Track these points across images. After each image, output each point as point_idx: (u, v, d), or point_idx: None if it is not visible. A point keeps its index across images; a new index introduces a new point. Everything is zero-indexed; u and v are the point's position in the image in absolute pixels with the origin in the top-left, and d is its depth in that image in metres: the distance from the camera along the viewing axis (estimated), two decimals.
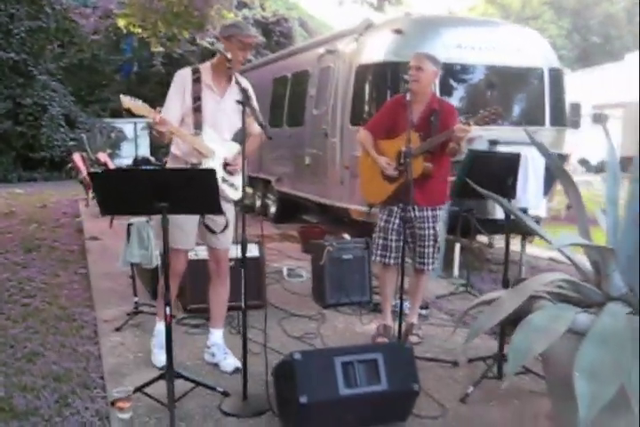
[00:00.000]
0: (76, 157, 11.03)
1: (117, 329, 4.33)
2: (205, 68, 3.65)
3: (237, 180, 3.68)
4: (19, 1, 17.03)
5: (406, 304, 4.85)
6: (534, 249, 7.55)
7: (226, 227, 3.62)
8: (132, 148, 17.39)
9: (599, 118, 17.20)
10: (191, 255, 4.59)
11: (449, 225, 6.09)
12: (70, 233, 8.54)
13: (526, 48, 6.90)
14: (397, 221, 4.18)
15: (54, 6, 17.64)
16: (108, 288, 5.44)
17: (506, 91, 6.95)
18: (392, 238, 4.20)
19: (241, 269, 3.24)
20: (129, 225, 4.52)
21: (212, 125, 3.60)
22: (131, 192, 2.82)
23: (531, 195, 6.15)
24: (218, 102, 3.64)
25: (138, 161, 12.21)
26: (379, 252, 4.25)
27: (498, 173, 3.58)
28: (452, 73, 6.73)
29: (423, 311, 4.81)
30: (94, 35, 18.79)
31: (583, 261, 2.90)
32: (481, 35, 6.75)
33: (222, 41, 3.56)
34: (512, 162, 3.71)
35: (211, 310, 3.95)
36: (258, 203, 10.59)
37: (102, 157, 11.14)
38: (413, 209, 4.09)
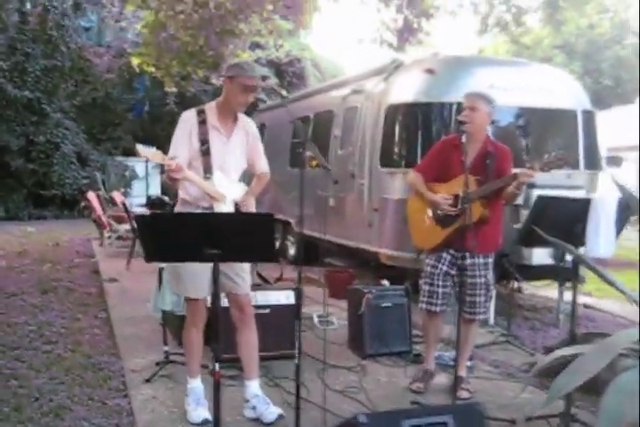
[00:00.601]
0: (91, 195, 10.86)
1: (147, 380, 4.08)
2: (211, 108, 3.54)
3: None
4: (34, 40, 17.17)
5: (447, 354, 4.66)
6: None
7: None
8: (143, 187, 17.26)
9: (614, 161, 17.09)
10: (224, 303, 4.42)
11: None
12: (86, 274, 8.30)
13: (558, 89, 6.78)
14: (445, 267, 4.01)
15: (69, 45, 17.76)
16: (132, 335, 5.19)
17: (539, 133, 6.80)
18: (439, 284, 4.02)
19: (296, 320, 3.03)
20: (160, 269, 4.30)
21: (220, 167, 3.49)
22: (179, 238, 2.63)
23: (602, 241, 5.95)
24: (225, 143, 3.53)
25: (152, 201, 12.05)
26: (425, 299, 4.06)
27: (567, 219, 3.41)
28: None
29: (468, 363, 4.56)
30: (108, 73, 18.88)
31: None
32: (513, 75, 6.64)
33: (225, 81, 3.46)
34: (582, 207, 3.52)
35: (242, 360, 3.74)
36: (277, 244, 10.38)
37: (117, 196, 10.98)
38: (464, 257, 3.88)
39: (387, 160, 6.70)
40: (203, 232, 2.60)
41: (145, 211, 9.90)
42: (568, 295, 6.74)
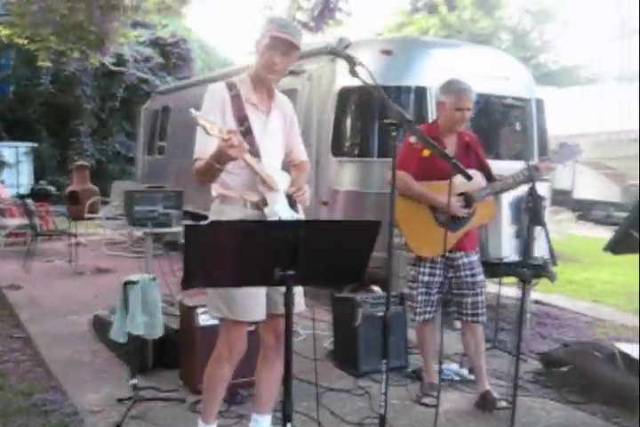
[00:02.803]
0: None
1: (118, 426, 3.21)
2: (243, 81, 2.77)
3: (300, 216, 2.81)
4: None
5: (448, 367, 4.18)
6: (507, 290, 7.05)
7: None
8: (14, 175, 15.38)
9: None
10: (202, 320, 3.66)
11: None
12: None
13: (514, 76, 6.46)
14: (442, 272, 3.62)
15: None
16: (67, 360, 4.22)
17: (497, 122, 6.45)
18: (434, 292, 3.65)
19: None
20: (125, 284, 3.43)
21: (264, 152, 2.73)
22: (245, 255, 1.87)
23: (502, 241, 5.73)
24: (265, 124, 2.78)
25: (38, 191, 10.64)
26: (421, 309, 3.67)
27: None
28: None
29: (465, 372, 4.13)
30: None
31: None
32: (472, 59, 6.22)
33: (257, 42, 2.71)
34: None
35: (258, 391, 3.00)
36: (183, 239, 9.46)
37: None
38: (460, 256, 3.62)
39: (338, 148, 6.08)
40: (278, 247, 1.86)
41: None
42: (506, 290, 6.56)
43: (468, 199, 3.53)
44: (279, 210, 2.62)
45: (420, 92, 5.97)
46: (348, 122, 6.15)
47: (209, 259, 1.88)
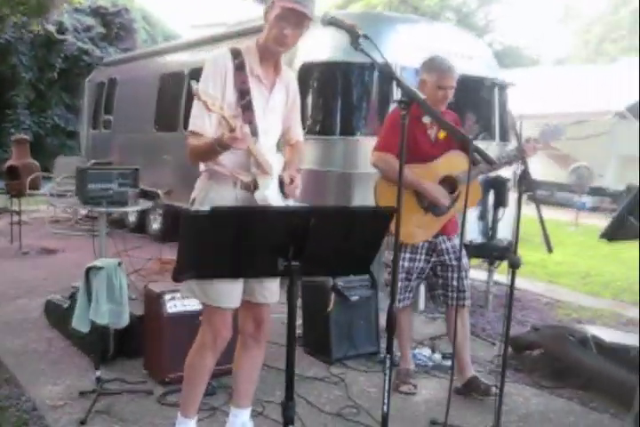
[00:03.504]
0: None
1: (83, 423, 2.99)
2: (249, 50, 2.54)
3: (290, 202, 2.65)
4: None
5: (420, 352, 4.12)
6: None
7: None
8: None
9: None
10: (170, 307, 3.46)
11: None
12: None
13: (477, 55, 6.37)
14: (423, 257, 3.53)
15: None
16: (20, 349, 3.95)
17: (461, 102, 6.34)
18: (413, 278, 3.57)
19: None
20: (89, 270, 3.18)
21: (263, 130, 2.53)
22: (247, 244, 1.69)
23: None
24: (267, 99, 2.58)
25: None
26: (401, 295, 3.53)
27: None
28: (409, 78, 5.99)
29: (437, 356, 4.09)
30: None
31: None
32: (436, 37, 6.09)
33: (266, 11, 2.49)
34: None
35: (237, 383, 2.84)
36: (132, 218, 9.13)
37: None
38: (442, 241, 3.55)
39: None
40: (283, 235, 1.69)
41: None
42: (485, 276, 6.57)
43: (452, 182, 3.42)
44: (269, 195, 2.45)
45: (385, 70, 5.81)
46: (310, 99, 5.93)
47: (208, 249, 1.68)
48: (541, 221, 2.62)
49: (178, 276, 1.74)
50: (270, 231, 1.68)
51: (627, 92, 13.71)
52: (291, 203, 2.61)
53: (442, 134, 3.39)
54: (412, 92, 2.21)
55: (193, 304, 3.37)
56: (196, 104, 2.41)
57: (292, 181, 2.52)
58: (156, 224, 8.58)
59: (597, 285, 6.88)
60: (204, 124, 2.42)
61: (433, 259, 3.53)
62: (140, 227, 8.83)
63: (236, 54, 2.49)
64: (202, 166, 2.58)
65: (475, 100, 6.48)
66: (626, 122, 13.78)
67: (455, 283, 3.52)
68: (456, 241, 3.53)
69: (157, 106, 8.32)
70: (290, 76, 2.71)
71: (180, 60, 8.11)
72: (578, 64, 27.66)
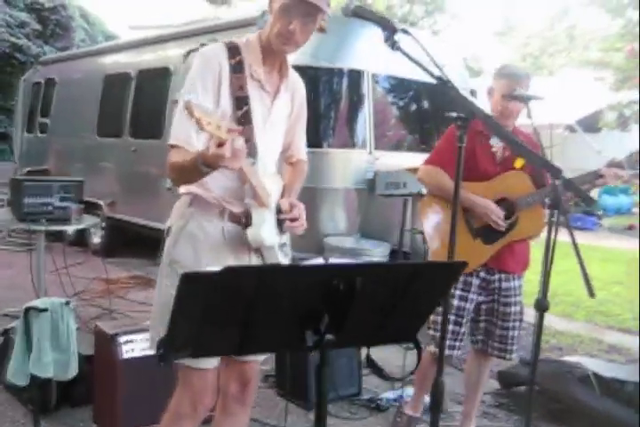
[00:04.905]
0: None
1: None
2: (250, 47, 2.06)
3: (286, 238, 2.15)
4: None
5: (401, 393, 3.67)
6: None
7: None
8: None
9: None
10: (126, 351, 2.92)
11: None
12: None
13: (449, 64, 6.01)
14: (475, 297, 2.97)
15: None
16: None
17: (434, 114, 5.99)
18: (464, 322, 2.97)
19: None
20: (28, 311, 2.61)
21: (261, 149, 2.04)
22: (265, 314, 1.22)
23: None
24: (269, 110, 2.09)
25: None
26: (447, 342, 2.85)
27: None
28: (380, 87, 5.61)
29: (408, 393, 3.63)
30: None
31: None
32: (411, 44, 5.70)
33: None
34: None
35: None
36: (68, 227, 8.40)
37: None
38: (499, 279, 2.98)
39: None
40: (316, 301, 1.22)
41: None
42: None
43: (509, 207, 2.88)
44: (266, 236, 1.96)
45: (355, 76, 5.41)
46: None
47: (214, 320, 1.20)
48: (580, 262, 2.22)
49: (167, 356, 1.24)
50: (300, 297, 1.21)
51: (571, 105, 13.75)
52: (287, 242, 2.14)
53: (519, 162, 2.88)
54: (473, 106, 1.76)
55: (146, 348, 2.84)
56: (179, 111, 1.91)
57: (291, 208, 2.04)
58: (97, 238, 7.91)
59: (568, 305, 6.62)
60: (188, 136, 1.92)
61: (481, 298, 2.98)
62: (80, 240, 8.14)
63: (234, 51, 2.00)
64: (182, 189, 2.07)
65: (444, 109, 6.13)
66: (576, 135, 13.81)
67: (497, 332, 2.99)
68: (515, 283, 3.00)
69: (100, 109, 7.67)
70: (297, 81, 2.23)
71: (126, 61, 7.50)
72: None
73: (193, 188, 2.02)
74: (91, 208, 7.69)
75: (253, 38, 2.06)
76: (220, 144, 1.65)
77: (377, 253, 4.97)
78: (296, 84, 2.21)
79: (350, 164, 5.33)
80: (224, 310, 1.18)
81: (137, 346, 2.88)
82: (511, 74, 2.89)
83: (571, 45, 32.43)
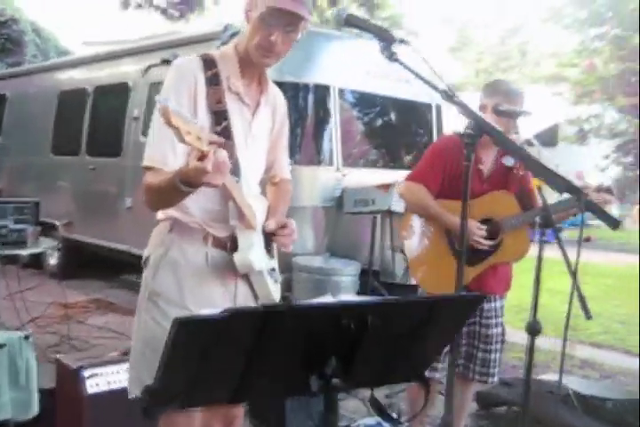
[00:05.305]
0: None
1: None
2: (226, 58, 1.91)
3: (274, 262, 2.02)
4: None
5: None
6: None
7: None
8: None
9: None
10: (91, 385, 2.74)
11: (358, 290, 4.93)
12: None
13: (415, 79, 5.97)
14: None
15: None
16: None
17: (402, 129, 5.94)
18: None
19: None
20: None
21: (244, 167, 1.91)
22: (265, 358, 1.07)
23: None
24: (249, 125, 1.95)
25: None
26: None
27: None
28: (347, 102, 5.53)
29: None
30: None
31: None
32: (375, 58, 5.64)
33: (247, 10, 1.87)
34: None
35: None
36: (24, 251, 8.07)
37: None
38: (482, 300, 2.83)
39: None
40: (323, 343, 1.09)
41: None
42: None
43: (494, 228, 2.78)
44: (254, 259, 1.82)
45: (321, 91, 5.31)
46: None
47: (208, 369, 1.05)
48: (575, 284, 2.13)
49: (156, 408, 1.08)
50: (307, 338, 1.07)
51: (528, 120, 13.93)
52: (276, 265, 1.99)
53: (536, 183, 2.76)
54: (484, 122, 1.66)
55: (122, 379, 2.66)
56: (156, 128, 1.76)
57: (285, 226, 1.90)
58: (53, 259, 7.61)
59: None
60: (164, 155, 1.76)
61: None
62: (35, 262, 7.81)
63: (209, 64, 1.86)
64: (160, 214, 1.91)
65: (414, 125, 6.09)
66: (534, 149, 13.99)
67: (479, 355, 2.89)
68: (496, 304, 2.89)
69: (55, 127, 7.42)
70: (278, 97, 2.10)
71: (82, 77, 7.27)
72: (472, 91, 28.51)
73: (172, 212, 1.86)
74: (46, 229, 7.43)
75: (229, 50, 1.93)
76: (201, 157, 1.50)
77: (348, 272, 4.86)
78: (277, 98, 2.08)
79: (317, 181, 5.22)
80: (222, 357, 1.03)
81: (103, 380, 2.69)
82: (507, 91, 2.82)
83: (522, 61, 33.10)
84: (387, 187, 4.95)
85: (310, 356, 1.10)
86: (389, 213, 5.05)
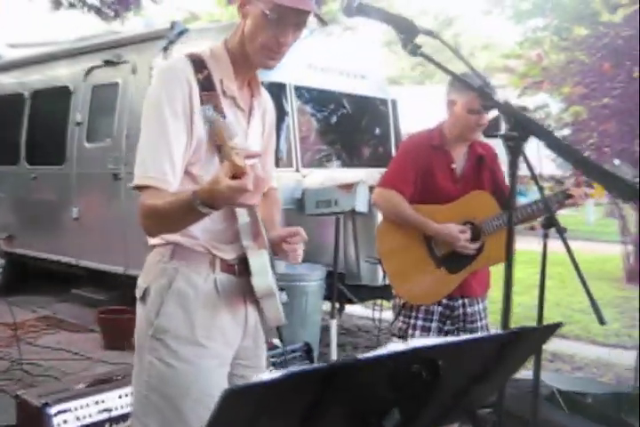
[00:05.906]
0: None
1: None
2: (217, 58, 1.70)
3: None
4: None
5: None
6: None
7: None
8: None
9: None
10: (58, 424, 2.51)
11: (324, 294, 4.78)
12: None
13: (370, 74, 5.84)
14: (437, 325, 2.71)
15: None
16: None
17: (358, 127, 5.79)
18: None
19: None
20: None
21: None
22: (320, 418, 0.90)
23: None
24: (245, 132, 1.75)
25: None
26: None
27: None
28: (303, 100, 5.34)
29: None
30: None
31: None
32: (334, 55, 5.48)
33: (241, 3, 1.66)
34: None
35: None
36: None
37: None
38: (463, 304, 2.72)
39: None
40: (385, 394, 0.92)
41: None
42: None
43: (474, 231, 2.65)
44: (271, 281, 1.64)
45: (277, 89, 5.11)
46: None
47: None
48: (586, 288, 2.00)
49: None
50: (370, 392, 0.89)
51: None
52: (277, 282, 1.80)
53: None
54: (533, 123, 1.48)
55: (92, 413, 2.44)
56: (150, 141, 1.56)
57: (293, 235, 1.73)
58: None
59: (499, 314, 6.56)
60: (162, 172, 1.54)
61: (446, 327, 2.72)
62: None
63: (199, 65, 1.63)
64: (155, 239, 1.68)
65: (369, 121, 5.95)
66: None
67: None
68: (479, 306, 2.77)
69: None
70: (268, 101, 1.90)
71: (16, 81, 6.87)
72: (410, 85, 28.64)
73: (172, 236, 1.64)
74: (23, 266, 7.00)
75: (219, 49, 1.71)
76: (239, 174, 1.31)
77: (314, 277, 4.69)
78: (267, 102, 1.88)
79: (277, 183, 5.02)
80: (274, 423, 0.85)
81: (71, 416, 2.45)
82: (482, 87, 2.68)
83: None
84: (349, 186, 4.78)
85: (368, 411, 0.93)
86: (353, 214, 4.90)
